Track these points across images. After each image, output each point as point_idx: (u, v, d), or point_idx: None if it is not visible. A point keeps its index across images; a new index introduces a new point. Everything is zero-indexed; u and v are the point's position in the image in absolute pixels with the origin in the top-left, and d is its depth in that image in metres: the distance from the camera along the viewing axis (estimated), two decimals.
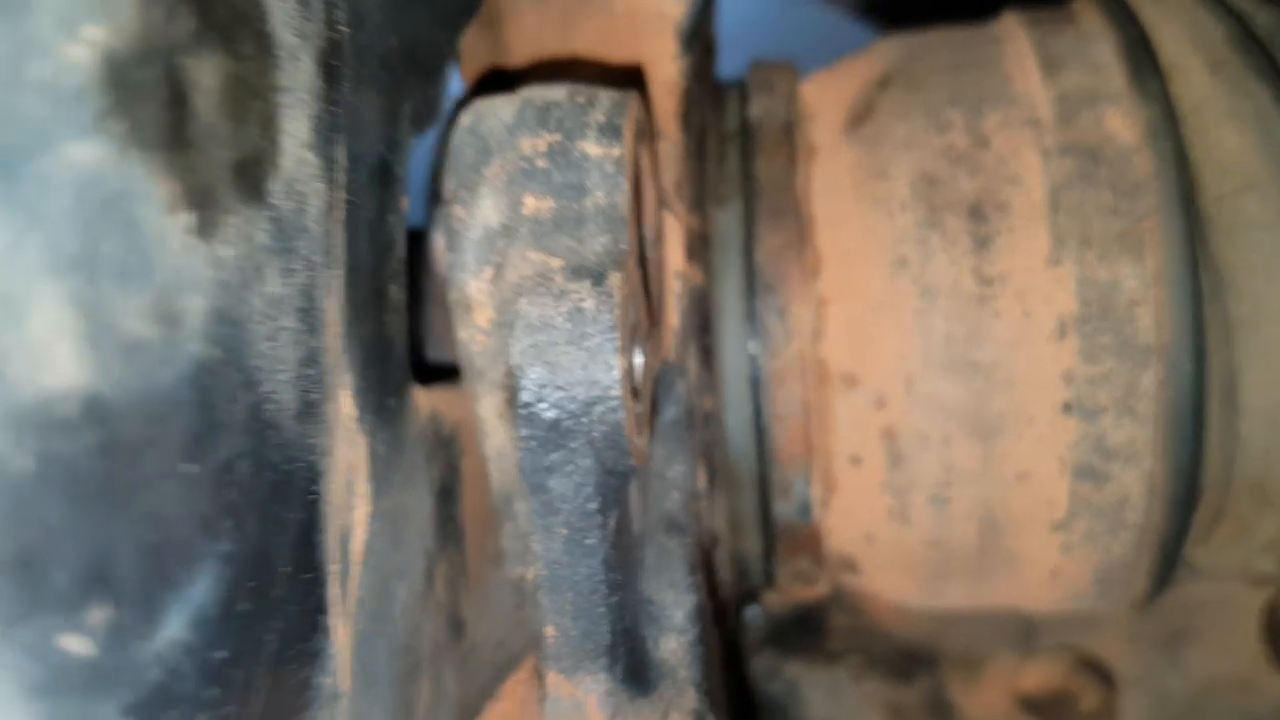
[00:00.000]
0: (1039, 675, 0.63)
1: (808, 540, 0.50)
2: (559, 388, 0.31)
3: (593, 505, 0.32)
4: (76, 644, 0.18)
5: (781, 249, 0.47)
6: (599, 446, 0.31)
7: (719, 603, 0.44)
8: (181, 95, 0.20)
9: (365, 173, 0.31)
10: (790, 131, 0.50)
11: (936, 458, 0.47)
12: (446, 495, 0.41)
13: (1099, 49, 0.48)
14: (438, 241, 0.44)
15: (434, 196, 0.46)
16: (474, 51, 0.45)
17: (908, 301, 0.46)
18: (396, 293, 0.35)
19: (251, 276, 0.22)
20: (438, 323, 0.46)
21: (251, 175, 0.22)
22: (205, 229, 0.21)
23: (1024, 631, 0.65)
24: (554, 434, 0.31)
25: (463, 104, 0.40)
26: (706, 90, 0.51)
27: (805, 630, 0.67)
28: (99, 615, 0.18)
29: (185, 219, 0.20)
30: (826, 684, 0.64)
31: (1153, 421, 0.44)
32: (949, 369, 0.46)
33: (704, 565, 0.40)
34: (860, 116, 0.49)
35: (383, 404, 0.34)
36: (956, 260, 0.45)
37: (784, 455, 0.48)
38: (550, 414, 0.31)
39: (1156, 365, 0.44)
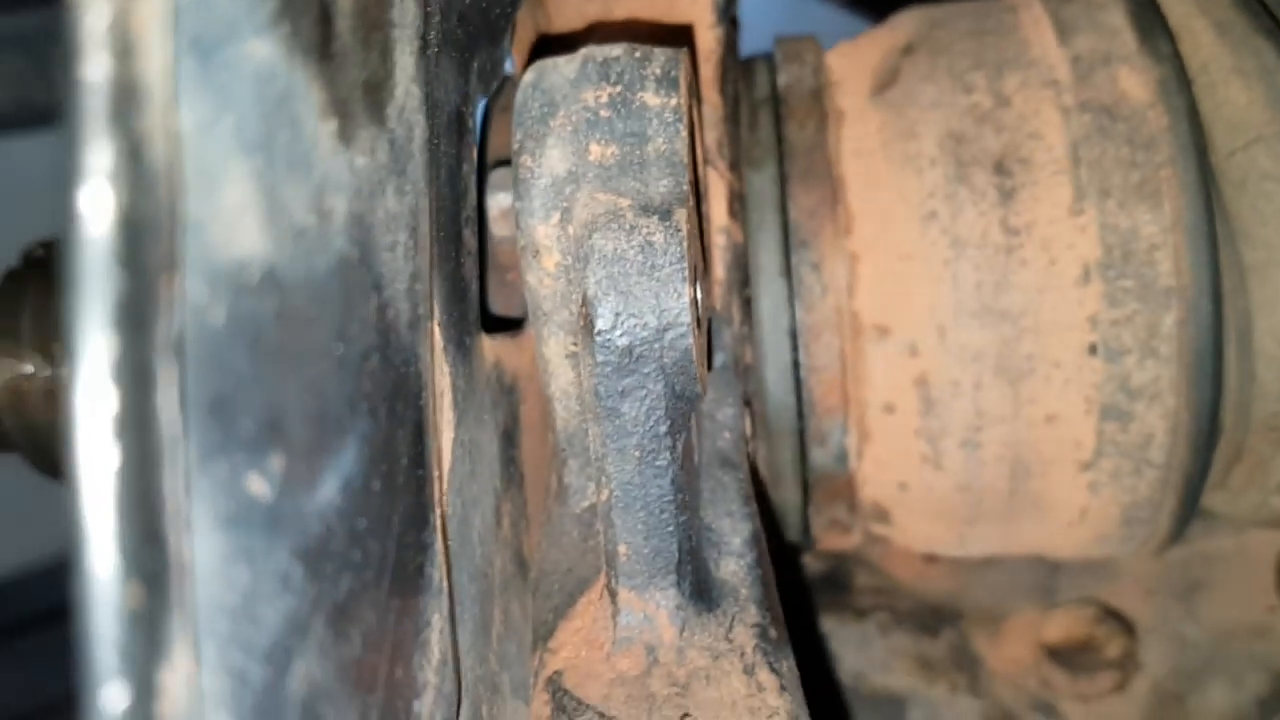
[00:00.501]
0: (1062, 626, 0.65)
1: (844, 488, 0.53)
2: (633, 315, 0.33)
3: (663, 428, 0.34)
4: (258, 485, 0.20)
5: (815, 207, 0.50)
6: (669, 371, 0.33)
7: (775, 540, 0.46)
8: (328, 14, 0.22)
9: (445, 120, 0.33)
10: (819, 97, 0.52)
11: (968, 403, 0.49)
12: (509, 439, 0.43)
13: (1110, 14, 0.51)
14: (490, 204, 0.46)
15: (480, 168, 0.49)
16: (522, 28, 0.48)
17: (938, 253, 0.48)
18: (470, 238, 0.37)
19: (377, 189, 0.24)
20: (492, 281, 0.48)
21: (375, 96, 0.25)
22: (345, 137, 0.23)
23: (1045, 586, 0.68)
24: (627, 360, 0.33)
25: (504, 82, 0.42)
26: (735, 61, 0.53)
27: (833, 588, 0.69)
28: (277, 462, 0.20)
29: (332, 125, 0.22)
30: (856, 639, 0.66)
31: (1174, 361, 0.47)
32: (979, 316, 0.48)
33: (760, 514, 0.42)
34: (886, 81, 0.52)
35: (461, 340, 0.36)
36: (984, 212, 0.48)
37: (820, 405, 0.50)
38: (624, 340, 0.33)
39: (1177, 306, 0.46)
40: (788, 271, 0.49)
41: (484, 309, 0.43)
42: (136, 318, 0.16)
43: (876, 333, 0.50)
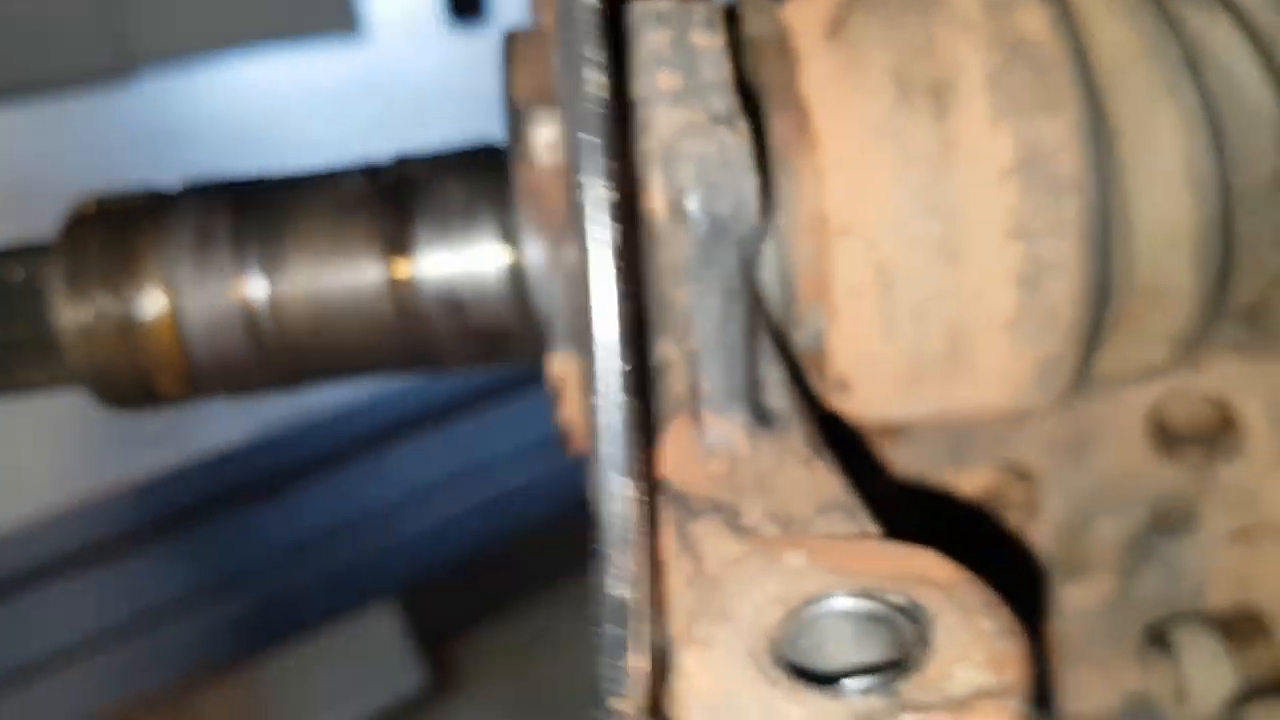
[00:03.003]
0: (974, 480, 0.79)
1: (817, 361, 0.65)
2: (715, 200, 0.44)
3: (736, 285, 0.45)
4: None
5: (787, 130, 0.61)
6: (742, 244, 0.44)
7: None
8: None
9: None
10: (782, 42, 0.63)
11: (916, 283, 0.61)
12: None
13: None
14: (535, 137, 0.57)
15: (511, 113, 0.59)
16: None
17: (888, 162, 0.60)
18: None
19: None
20: (525, 205, 0.58)
21: None
22: None
23: (959, 451, 0.81)
24: (717, 233, 0.44)
25: None
26: None
27: None
28: None
29: None
30: None
31: (1074, 240, 0.60)
32: (923, 212, 0.60)
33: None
34: (836, 28, 0.63)
35: None
36: (923, 128, 0.60)
37: (801, 294, 0.62)
38: (708, 220, 0.44)
39: (1076, 196, 0.60)
40: (770, 185, 0.61)
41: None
42: None
43: (842, 231, 0.61)
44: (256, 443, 2.98)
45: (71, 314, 0.63)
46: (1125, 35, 0.61)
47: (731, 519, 0.44)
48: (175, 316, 0.64)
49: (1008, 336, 0.63)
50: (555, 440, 0.62)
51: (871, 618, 0.38)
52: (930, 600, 0.37)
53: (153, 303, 0.64)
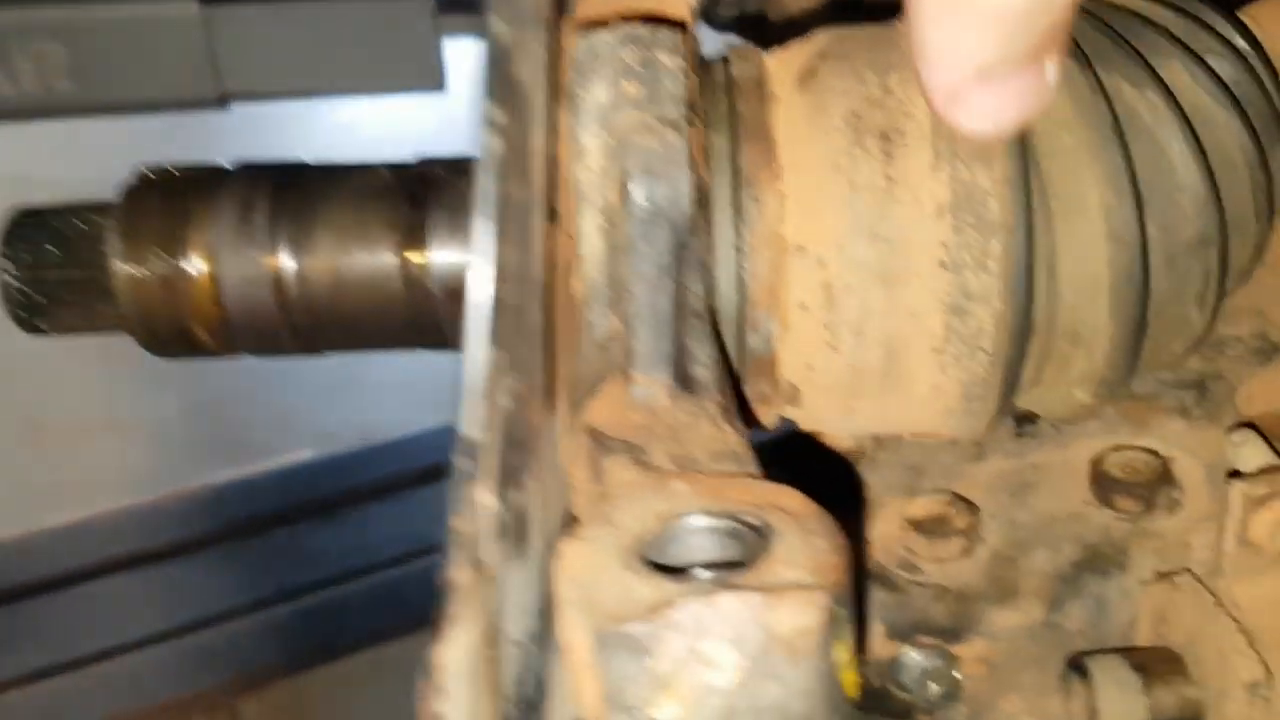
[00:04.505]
0: (922, 506, 0.85)
1: (768, 367, 0.72)
2: (656, 185, 0.52)
3: (667, 260, 0.53)
4: None
5: (756, 159, 0.70)
6: (676, 226, 0.53)
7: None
8: None
9: None
10: (760, 84, 0.73)
11: (858, 301, 0.69)
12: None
13: None
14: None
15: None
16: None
17: (840, 193, 0.69)
18: None
19: None
20: None
21: None
22: None
23: (911, 485, 0.88)
24: (652, 216, 0.52)
25: None
26: (699, 55, 0.74)
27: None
28: None
29: None
30: None
31: (998, 274, 0.68)
32: (867, 239, 0.69)
33: (720, 352, 0.61)
34: (807, 77, 0.72)
35: None
36: (872, 167, 0.69)
37: (756, 301, 0.70)
38: (649, 204, 0.53)
39: (1000, 235, 0.67)
40: (737, 204, 0.69)
41: None
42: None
43: (797, 250, 0.70)
44: (322, 462, 3.13)
45: (124, 265, 0.73)
46: (1060, 100, 0.69)
47: (639, 457, 0.52)
48: (214, 278, 0.74)
49: (938, 358, 0.70)
50: None
51: (729, 532, 0.45)
52: (779, 523, 0.45)
53: (195, 264, 0.74)
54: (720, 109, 0.72)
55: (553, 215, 0.56)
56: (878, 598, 0.82)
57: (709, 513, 0.46)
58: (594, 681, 0.41)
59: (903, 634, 0.82)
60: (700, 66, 0.76)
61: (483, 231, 0.32)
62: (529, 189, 0.44)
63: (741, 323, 0.71)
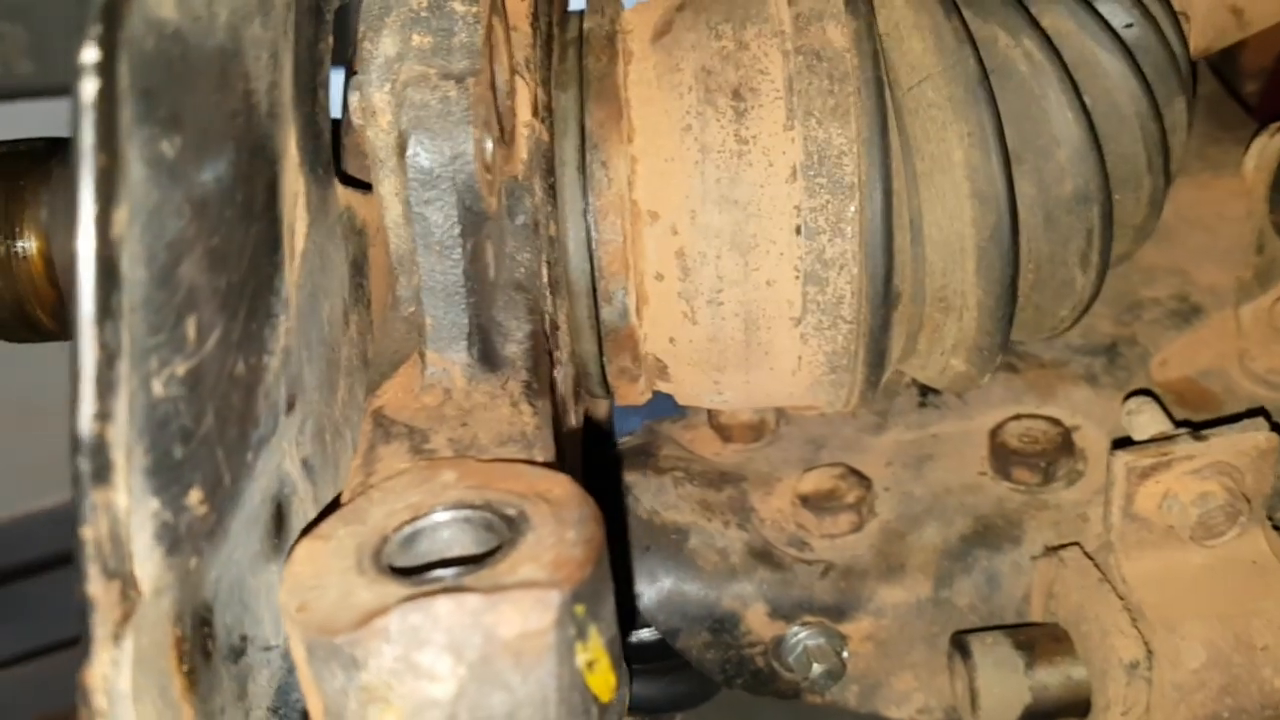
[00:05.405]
0: (814, 480, 0.82)
1: (627, 340, 0.69)
2: (433, 143, 0.49)
3: (456, 230, 0.50)
4: (166, 147, 0.34)
5: (605, 120, 0.66)
6: (460, 190, 0.49)
7: (559, 385, 0.61)
8: None
9: (305, 6, 0.49)
10: (612, 40, 0.68)
11: (712, 270, 0.66)
12: (358, 267, 0.59)
13: None
14: (352, 97, 0.62)
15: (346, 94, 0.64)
16: None
17: (691, 156, 0.65)
18: (324, 98, 0.53)
19: (247, 17, 0.40)
20: (352, 163, 0.64)
21: None
22: None
23: (809, 460, 0.85)
24: (429, 177, 0.49)
25: None
26: (551, 11, 0.70)
27: (642, 455, 0.85)
28: (178, 140, 0.34)
29: None
30: (654, 488, 0.82)
31: (855, 239, 0.64)
32: (719, 204, 0.65)
33: (541, 325, 0.57)
34: (661, 31, 0.68)
35: (315, 165, 0.52)
36: (724, 127, 0.65)
37: (608, 271, 0.67)
38: (425, 163, 0.49)
39: (857, 198, 0.63)
40: (583, 167, 0.66)
41: (339, 166, 0.59)
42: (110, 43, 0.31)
43: (649, 217, 0.66)
44: None
45: None
46: (925, 52, 0.65)
47: (418, 444, 0.49)
48: (46, 257, 0.70)
49: (798, 328, 0.67)
50: None
51: (485, 525, 0.42)
52: (536, 513, 0.41)
53: (29, 244, 0.70)
54: (569, 65, 0.68)
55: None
56: (761, 576, 0.79)
57: (464, 505, 0.42)
58: (315, 695, 0.38)
59: (787, 614, 0.79)
60: (560, 20, 0.72)
61: (85, 199, 0.29)
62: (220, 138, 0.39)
63: (595, 295, 0.67)
